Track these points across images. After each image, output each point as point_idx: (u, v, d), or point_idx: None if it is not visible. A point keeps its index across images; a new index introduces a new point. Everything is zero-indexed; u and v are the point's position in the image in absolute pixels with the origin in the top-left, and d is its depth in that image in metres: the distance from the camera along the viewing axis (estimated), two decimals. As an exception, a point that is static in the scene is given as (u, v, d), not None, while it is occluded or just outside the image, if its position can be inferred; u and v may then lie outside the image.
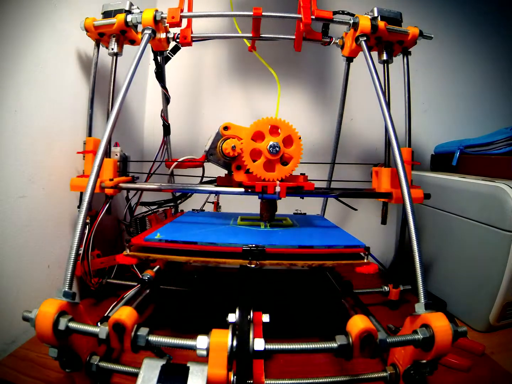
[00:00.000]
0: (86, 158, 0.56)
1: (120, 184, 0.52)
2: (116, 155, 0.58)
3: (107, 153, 0.55)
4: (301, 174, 0.53)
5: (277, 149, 0.47)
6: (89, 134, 0.58)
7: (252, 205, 0.59)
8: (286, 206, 0.62)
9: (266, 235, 0.50)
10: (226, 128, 0.50)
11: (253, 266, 0.42)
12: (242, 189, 0.50)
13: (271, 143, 0.47)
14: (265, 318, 0.39)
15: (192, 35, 0.60)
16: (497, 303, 0.52)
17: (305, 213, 0.73)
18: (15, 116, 0.46)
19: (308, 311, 0.57)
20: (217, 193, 0.51)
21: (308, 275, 0.71)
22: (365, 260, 0.44)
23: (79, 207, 0.57)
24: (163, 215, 0.69)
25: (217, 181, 0.55)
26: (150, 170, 0.66)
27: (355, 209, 0.69)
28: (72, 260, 0.35)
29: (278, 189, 0.47)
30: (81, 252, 0.51)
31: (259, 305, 0.41)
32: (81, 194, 0.56)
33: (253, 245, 0.42)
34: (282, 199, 0.50)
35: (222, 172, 0.54)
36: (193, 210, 0.74)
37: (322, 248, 0.44)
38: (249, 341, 0.30)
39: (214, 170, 0.57)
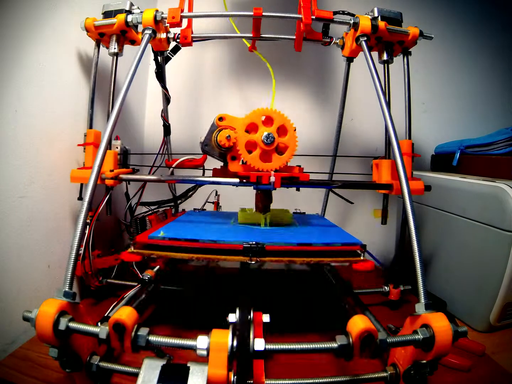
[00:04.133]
0: (87, 150, 0.56)
1: (121, 176, 0.52)
2: (117, 148, 0.58)
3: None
4: (298, 166, 0.53)
5: (272, 139, 0.47)
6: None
7: (252, 204, 0.59)
8: (287, 206, 0.62)
9: (266, 233, 0.51)
10: (221, 119, 0.50)
11: (253, 262, 0.42)
12: (237, 180, 0.50)
13: (265, 133, 0.47)
14: (266, 318, 0.39)
15: (192, 35, 0.60)
16: (498, 303, 0.52)
17: (304, 212, 0.74)
18: (15, 116, 0.46)
19: (308, 311, 0.56)
20: (213, 183, 0.52)
21: (309, 275, 0.71)
22: (362, 258, 0.44)
23: (79, 198, 0.57)
24: (163, 215, 0.69)
25: (212, 173, 0.55)
26: (151, 170, 0.66)
27: (352, 203, 0.69)
28: (72, 260, 0.35)
29: (272, 179, 0.47)
30: (81, 252, 0.51)
31: (259, 305, 0.41)
32: (81, 186, 0.56)
33: (254, 243, 0.43)
34: (282, 199, 0.50)
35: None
36: (194, 209, 0.74)
37: (320, 245, 0.45)
38: (249, 341, 0.30)
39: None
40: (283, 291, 0.63)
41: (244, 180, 0.49)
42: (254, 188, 0.50)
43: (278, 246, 0.44)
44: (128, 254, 0.44)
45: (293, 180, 0.50)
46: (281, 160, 0.48)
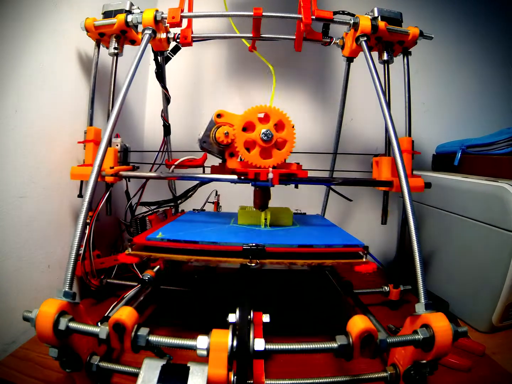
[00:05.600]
0: (87, 147, 0.56)
1: (121, 172, 0.52)
2: (117, 145, 0.58)
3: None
4: (296, 163, 0.53)
5: (270, 135, 0.47)
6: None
7: (252, 203, 0.59)
8: (287, 205, 0.62)
9: (266, 234, 0.50)
10: (219, 115, 0.50)
11: (253, 265, 0.42)
12: (235, 176, 0.50)
13: (263, 130, 0.47)
14: (265, 318, 0.39)
15: (192, 35, 0.60)
16: (500, 304, 0.52)
17: (304, 213, 0.73)
18: (15, 116, 0.46)
19: (308, 311, 0.56)
20: (211, 180, 0.52)
21: (309, 275, 0.71)
22: (364, 259, 0.44)
23: (79, 195, 0.57)
24: (163, 215, 0.69)
25: (211, 170, 0.55)
26: (152, 168, 0.66)
27: (350, 200, 0.69)
28: (72, 260, 0.35)
29: (270, 175, 0.47)
30: (81, 252, 0.51)
31: (259, 305, 0.41)
32: (81, 183, 0.57)
33: (253, 244, 0.42)
34: (281, 199, 0.49)
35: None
36: (194, 210, 0.73)
37: (322, 247, 0.44)
38: (249, 341, 0.30)
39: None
40: (283, 291, 0.63)
41: (242, 177, 0.49)
42: (252, 185, 0.50)
43: (278, 248, 0.43)
44: (126, 256, 0.44)
45: (291, 177, 0.50)
46: (281, 155, 0.48)
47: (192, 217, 0.65)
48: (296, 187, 0.59)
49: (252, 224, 0.57)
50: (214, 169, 0.55)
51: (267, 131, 0.47)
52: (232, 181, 0.50)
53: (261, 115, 0.49)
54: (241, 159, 0.49)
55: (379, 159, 0.57)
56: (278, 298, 0.58)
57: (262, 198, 0.53)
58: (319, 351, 0.31)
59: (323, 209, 0.78)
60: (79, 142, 0.57)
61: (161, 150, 0.68)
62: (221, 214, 0.71)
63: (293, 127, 0.49)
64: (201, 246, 0.44)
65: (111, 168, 0.51)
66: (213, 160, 0.55)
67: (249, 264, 0.42)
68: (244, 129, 0.48)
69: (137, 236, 0.47)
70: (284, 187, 0.57)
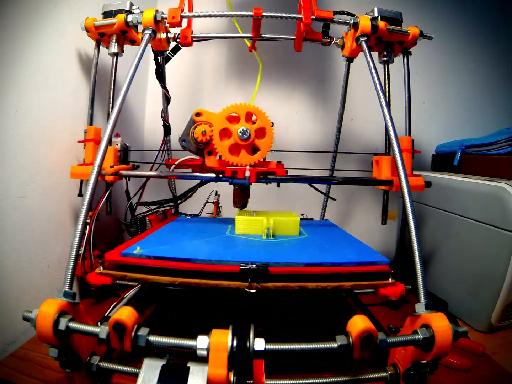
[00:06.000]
0: (87, 146, 0.56)
1: (121, 171, 0.52)
2: (117, 144, 0.58)
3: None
4: (278, 162, 0.52)
5: (247, 135, 0.46)
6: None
7: (255, 206, 0.59)
8: (286, 207, 0.62)
9: (268, 249, 0.43)
10: (198, 114, 0.50)
11: (253, 291, 0.36)
12: (213, 174, 0.50)
13: (242, 127, 0.46)
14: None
15: (192, 35, 0.60)
16: (499, 304, 0.52)
17: (311, 218, 0.67)
18: (15, 116, 0.46)
19: (308, 310, 0.56)
20: (189, 178, 0.52)
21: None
22: (390, 280, 0.39)
23: (79, 194, 0.57)
24: (163, 215, 0.69)
25: (191, 169, 0.56)
26: (152, 167, 0.66)
27: (334, 199, 0.70)
28: (72, 260, 0.35)
29: (247, 173, 0.46)
30: (81, 252, 0.51)
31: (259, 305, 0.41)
32: (81, 182, 0.57)
33: (253, 264, 0.36)
34: (282, 198, 0.49)
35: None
36: (185, 215, 0.68)
37: (338, 265, 0.37)
38: (249, 341, 0.30)
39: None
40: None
41: (220, 175, 0.49)
42: (229, 183, 0.50)
43: (284, 268, 0.36)
44: (96, 276, 0.39)
45: (269, 175, 0.49)
46: (250, 159, 0.48)
47: (181, 225, 0.58)
48: (278, 185, 0.58)
49: (251, 234, 0.50)
50: (194, 168, 0.56)
51: (246, 129, 0.46)
52: (210, 179, 0.51)
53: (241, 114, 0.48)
54: (220, 158, 0.49)
55: (379, 158, 0.57)
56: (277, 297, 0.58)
57: (241, 197, 0.53)
58: (319, 351, 0.31)
59: (323, 209, 0.78)
60: (79, 141, 0.57)
61: (161, 149, 0.68)
62: (215, 220, 0.65)
63: (272, 125, 0.49)
64: (188, 266, 0.37)
65: (111, 167, 0.51)
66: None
67: (247, 290, 0.36)
68: (223, 129, 0.48)
69: (110, 252, 0.41)
70: (284, 188, 0.58)
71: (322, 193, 0.67)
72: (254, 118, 0.49)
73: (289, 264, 0.37)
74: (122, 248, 0.41)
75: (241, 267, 0.36)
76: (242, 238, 0.49)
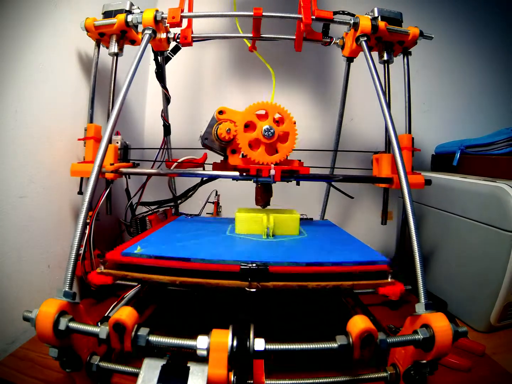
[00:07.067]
0: (87, 144, 0.56)
1: (121, 169, 0.52)
2: (117, 142, 0.58)
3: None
4: (299, 160, 0.52)
5: (271, 133, 0.46)
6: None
7: (253, 203, 0.59)
8: (286, 206, 0.62)
9: (269, 248, 0.44)
10: (221, 112, 0.50)
11: (253, 290, 0.36)
12: (237, 173, 0.50)
13: (264, 127, 0.46)
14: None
15: (192, 35, 0.60)
16: (498, 304, 0.52)
17: (311, 218, 0.67)
18: (15, 116, 0.46)
19: (308, 311, 0.56)
20: (212, 176, 0.51)
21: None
22: (389, 280, 0.39)
23: (79, 192, 0.57)
24: (163, 215, 0.69)
25: (212, 167, 0.55)
26: (153, 165, 0.66)
27: (352, 197, 0.69)
28: (72, 260, 0.35)
29: (272, 172, 0.46)
30: (81, 252, 0.51)
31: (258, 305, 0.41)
32: (81, 180, 0.57)
33: (253, 264, 0.36)
34: (282, 198, 0.49)
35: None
36: (185, 215, 0.69)
37: (338, 265, 0.38)
38: (249, 341, 0.30)
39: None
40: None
41: (244, 174, 0.49)
42: (253, 181, 0.50)
43: (284, 267, 0.37)
44: (97, 276, 0.39)
45: (294, 173, 0.49)
46: (285, 148, 0.48)
47: (181, 225, 0.58)
48: (298, 184, 0.59)
49: (251, 234, 0.50)
50: (216, 166, 0.55)
51: (269, 127, 0.46)
52: (234, 177, 0.50)
53: (262, 112, 0.49)
54: (243, 156, 0.49)
55: (379, 156, 0.57)
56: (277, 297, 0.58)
57: (264, 195, 0.52)
58: (319, 351, 0.31)
59: (323, 209, 0.78)
60: (79, 139, 0.57)
61: (162, 147, 0.68)
62: (216, 220, 0.65)
63: (294, 123, 0.49)
64: (188, 265, 0.37)
65: (112, 164, 0.51)
66: (214, 158, 0.55)
67: (248, 289, 0.36)
68: (246, 126, 0.48)
69: (111, 251, 0.41)
70: (283, 187, 0.57)
71: (343, 192, 0.67)
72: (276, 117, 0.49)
73: (289, 263, 0.37)
74: (122, 247, 0.42)
75: (241, 267, 0.36)
76: (242, 237, 0.49)
